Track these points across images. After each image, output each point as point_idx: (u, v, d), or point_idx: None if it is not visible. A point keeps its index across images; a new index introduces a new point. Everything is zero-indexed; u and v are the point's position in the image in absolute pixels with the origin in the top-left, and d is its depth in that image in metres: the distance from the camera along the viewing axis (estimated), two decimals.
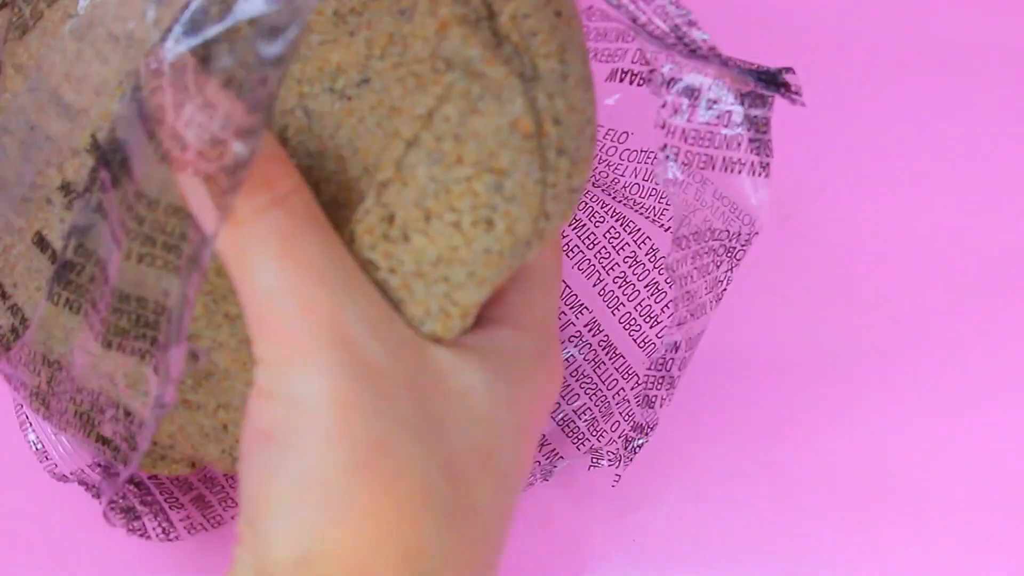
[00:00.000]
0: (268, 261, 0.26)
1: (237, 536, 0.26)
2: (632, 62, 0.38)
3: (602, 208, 0.43)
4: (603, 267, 0.43)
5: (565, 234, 0.44)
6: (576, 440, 0.41)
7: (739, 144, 0.35)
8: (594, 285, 0.43)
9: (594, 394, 0.42)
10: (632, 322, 0.42)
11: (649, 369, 0.37)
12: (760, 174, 0.35)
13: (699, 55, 0.33)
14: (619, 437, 0.40)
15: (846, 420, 0.41)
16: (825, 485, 0.40)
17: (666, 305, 0.42)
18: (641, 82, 0.38)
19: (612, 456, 0.40)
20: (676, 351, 0.37)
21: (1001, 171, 0.45)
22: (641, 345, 0.42)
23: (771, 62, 0.46)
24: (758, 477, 0.41)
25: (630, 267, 0.43)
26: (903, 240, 0.44)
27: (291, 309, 0.26)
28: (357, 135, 0.31)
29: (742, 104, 0.34)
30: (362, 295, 0.27)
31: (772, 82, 0.33)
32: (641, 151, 0.41)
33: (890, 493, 0.40)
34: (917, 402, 0.42)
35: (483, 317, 0.31)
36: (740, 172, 0.35)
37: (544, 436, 0.42)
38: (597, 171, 0.43)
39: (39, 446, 0.38)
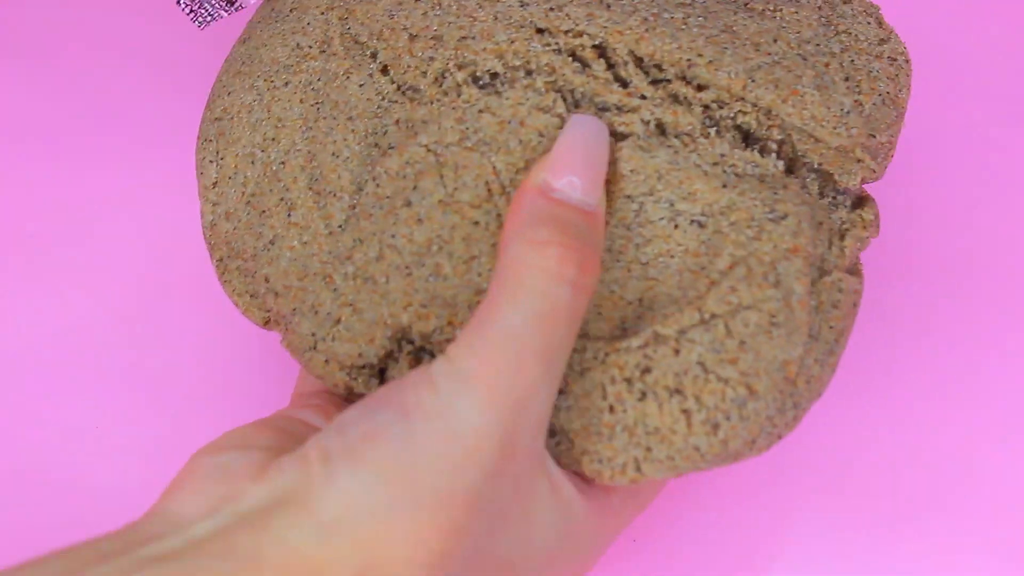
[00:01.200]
0: (532, 303, 0.29)
1: (305, 451, 0.28)
2: None
3: None
4: None
5: None
6: None
7: None
8: None
9: None
10: None
11: None
12: None
13: None
14: None
15: (846, 420, 0.41)
16: (827, 485, 0.40)
17: None
18: None
19: None
20: None
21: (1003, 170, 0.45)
22: None
23: None
24: (759, 477, 0.41)
25: None
26: (904, 241, 0.44)
27: (510, 352, 0.28)
28: (660, 263, 0.33)
29: None
30: (551, 394, 0.30)
31: None
32: None
33: (892, 495, 0.40)
34: (918, 403, 0.41)
35: None
36: None
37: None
38: None
39: None
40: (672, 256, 0.33)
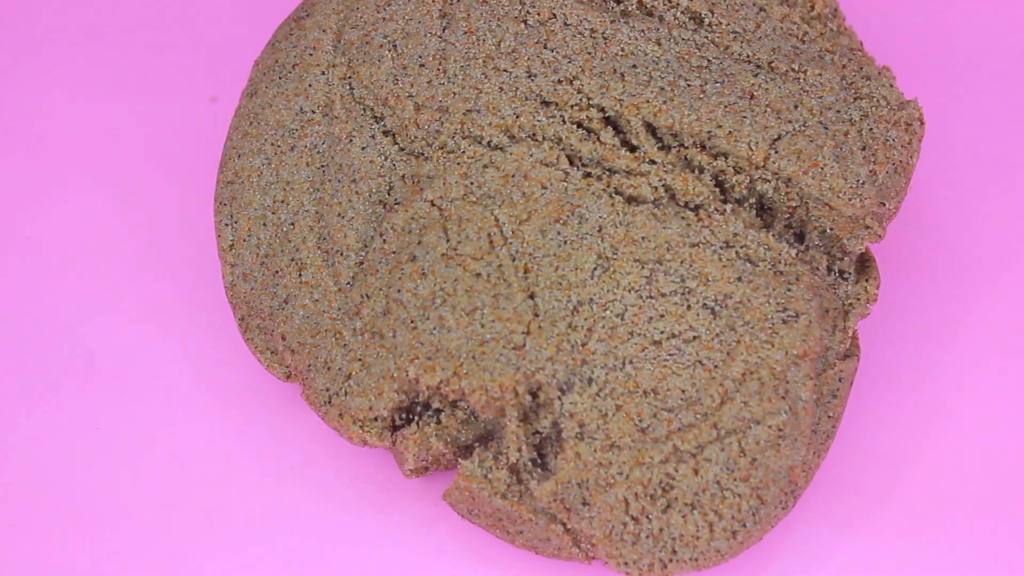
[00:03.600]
0: None
1: None
2: None
3: None
4: None
5: None
6: None
7: None
8: None
9: None
10: None
11: None
12: None
13: None
14: None
15: (849, 422, 0.40)
16: (829, 487, 0.40)
17: None
18: None
19: None
20: None
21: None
22: None
23: None
24: None
25: None
26: (906, 240, 0.44)
27: None
28: (673, 348, 0.34)
29: None
30: None
31: None
32: None
33: (893, 495, 0.39)
34: (919, 404, 0.41)
35: None
36: None
37: None
38: None
39: None
40: (686, 343, 0.34)
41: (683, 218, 0.35)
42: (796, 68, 0.37)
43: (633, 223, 0.35)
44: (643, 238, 0.35)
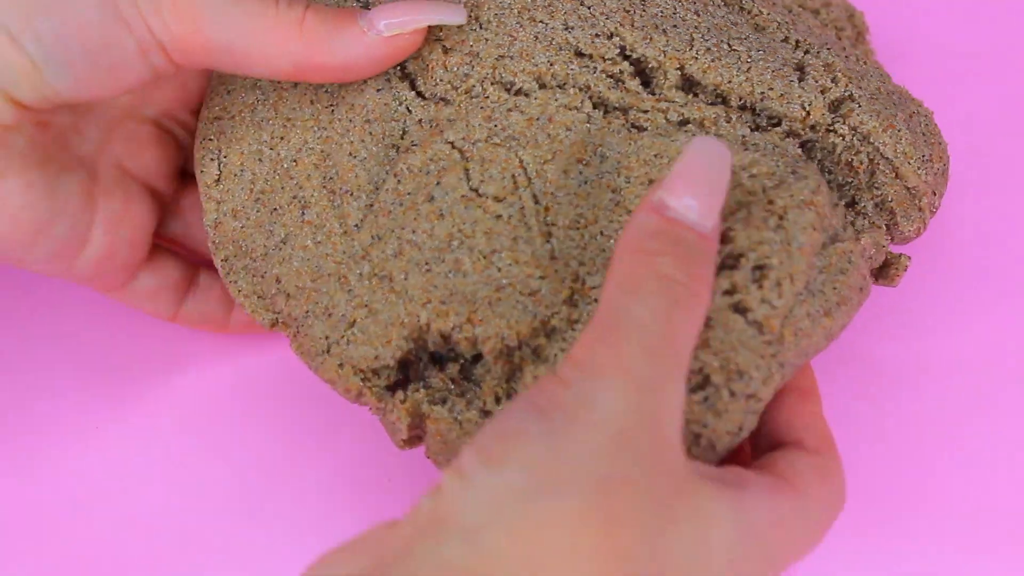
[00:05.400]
0: (655, 299, 0.28)
1: (438, 483, 0.27)
2: None
3: None
4: None
5: None
6: None
7: None
8: None
9: None
10: None
11: None
12: None
13: None
14: None
15: (849, 422, 0.40)
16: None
17: None
18: None
19: None
20: None
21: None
22: None
23: None
24: None
25: None
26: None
27: (642, 342, 0.28)
28: None
29: None
30: (682, 389, 0.29)
31: None
32: None
33: (893, 497, 0.39)
34: (921, 406, 0.41)
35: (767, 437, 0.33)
36: None
37: None
38: None
39: None
40: None
41: (688, 131, 0.34)
42: (856, 56, 0.37)
43: (643, 145, 0.34)
44: (655, 155, 0.34)
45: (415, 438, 0.35)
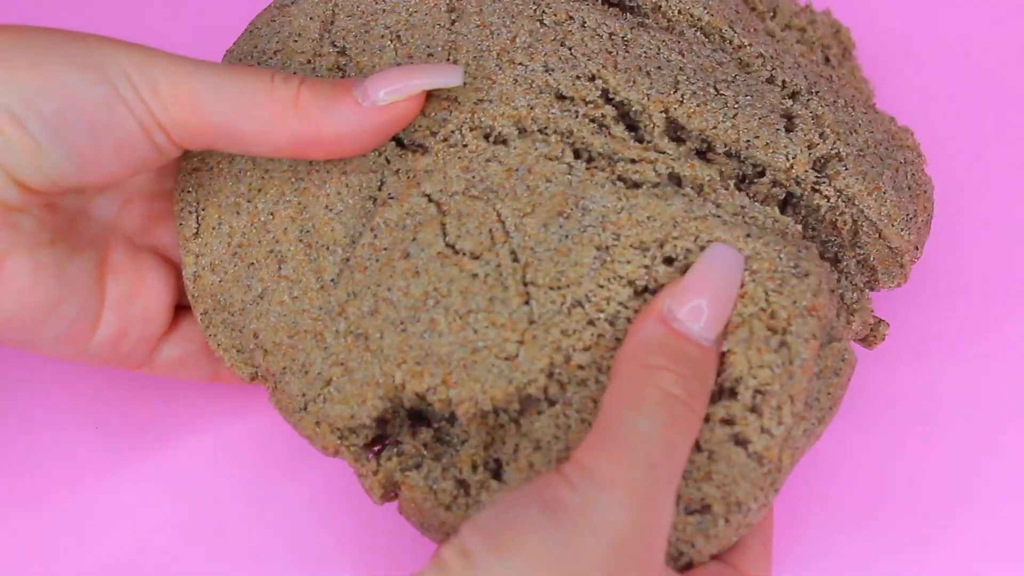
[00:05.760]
0: (655, 412, 0.30)
1: (440, 558, 0.28)
2: None
3: None
4: None
5: None
6: None
7: None
8: None
9: None
10: None
11: None
12: None
13: None
14: None
15: (850, 422, 0.40)
16: (832, 489, 0.40)
17: None
18: None
19: None
20: None
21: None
22: None
23: None
24: None
25: None
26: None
27: (643, 455, 0.29)
28: None
29: None
30: (673, 502, 0.30)
31: None
32: None
33: (894, 498, 0.39)
34: (922, 407, 0.41)
35: None
36: None
37: None
38: None
39: None
40: None
41: (685, 195, 0.33)
42: (844, 101, 0.37)
43: (636, 204, 0.33)
44: (648, 218, 0.33)
45: (390, 496, 0.35)
